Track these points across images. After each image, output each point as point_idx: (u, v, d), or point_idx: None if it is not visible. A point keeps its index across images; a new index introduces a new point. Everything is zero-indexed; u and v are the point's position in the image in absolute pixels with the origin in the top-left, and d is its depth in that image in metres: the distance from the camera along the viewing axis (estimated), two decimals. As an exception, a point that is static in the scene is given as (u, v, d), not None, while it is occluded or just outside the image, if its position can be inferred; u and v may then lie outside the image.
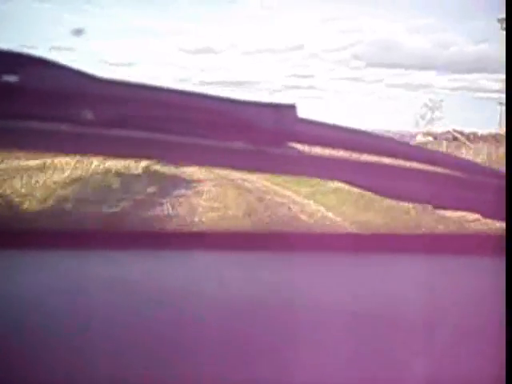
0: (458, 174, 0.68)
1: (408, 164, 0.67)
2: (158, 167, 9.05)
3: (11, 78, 0.55)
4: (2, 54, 0.57)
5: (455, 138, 11.65)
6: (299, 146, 0.64)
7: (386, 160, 0.67)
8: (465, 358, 0.52)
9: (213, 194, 7.59)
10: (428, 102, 15.13)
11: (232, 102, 0.62)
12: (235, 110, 0.61)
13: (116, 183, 7.86)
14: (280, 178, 8.13)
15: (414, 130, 13.77)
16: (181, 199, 7.26)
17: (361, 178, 0.65)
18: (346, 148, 0.66)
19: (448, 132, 12.46)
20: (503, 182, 0.68)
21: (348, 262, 0.71)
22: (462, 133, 12.21)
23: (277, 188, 8.30)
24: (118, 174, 8.48)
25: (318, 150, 0.65)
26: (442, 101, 15.23)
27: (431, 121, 14.48)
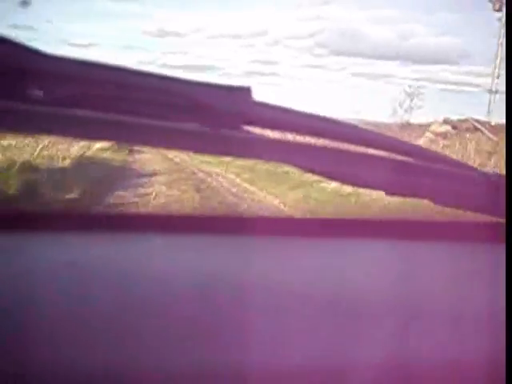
0: (414, 161, 0.69)
1: (366, 150, 0.67)
2: (109, 153, 8.97)
3: None
4: None
5: (476, 128, 10.76)
6: (254, 129, 0.63)
7: (343, 145, 0.67)
8: (459, 342, 0.52)
9: (165, 181, 7.56)
10: (407, 89, 14.47)
11: (187, 83, 0.61)
12: (190, 91, 0.61)
13: (67, 167, 7.74)
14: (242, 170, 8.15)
15: (389, 120, 13.27)
16: (134, 185, 7.21)
17: (314, 162, 0.65)
18: (301, 132, 0.66)
19: (466, 120, 11.35)
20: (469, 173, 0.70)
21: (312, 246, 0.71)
22: (478, 121, 11.23)
23: (233, 178, 8.32)
24: (69, 158, 8.33)
25: (273, 134, 0.65)
26: (419, 88, 14.50)
27: (410, 109, 13.98)
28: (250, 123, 0.63)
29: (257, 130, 0.64)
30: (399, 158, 0.68)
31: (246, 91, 0.62)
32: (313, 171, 0.67)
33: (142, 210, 5.49)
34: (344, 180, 0.69)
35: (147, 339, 0.47)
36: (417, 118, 12.99)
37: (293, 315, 0.53)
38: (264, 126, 0.63)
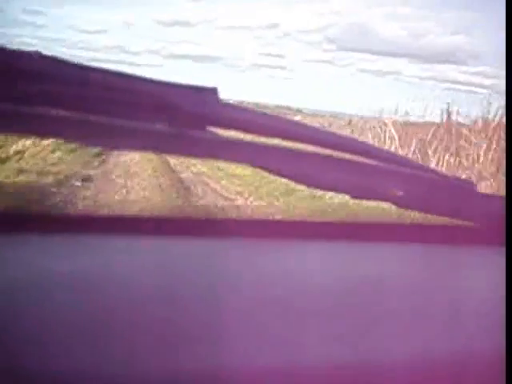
0: (369, 161, 0.70)
1: (331, 152, 0.68)
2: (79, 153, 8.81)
3: None
4: None
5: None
6: (220, 131, 0.63)
7: (307, 148, 0.67)
8: (461, 340, 0.53)
9: (140, 179, 7.47)
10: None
11: (153, 82, 0.60)
12: (156, 91, 0.60)
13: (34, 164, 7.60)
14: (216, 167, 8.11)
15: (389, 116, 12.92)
16: (107, 181, 7.11)
17: (280, 164, 0.65)
18: (267, 134, 0.66)
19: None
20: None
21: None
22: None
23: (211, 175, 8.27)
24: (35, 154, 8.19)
25: (239, 135, 0.65)
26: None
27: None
28: (216, 124, 0.63)
29: (223, 132, 0.64)
30: (362, 159, 0.69)
31: (212, 92, 0.62)
32: (278, 173, 0.68)
33: (117, 212, 5.42)
34: (308, 183, 0.70)
35: (122, 344, 0.47)
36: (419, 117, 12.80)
37: (267, 316, 0.53)
38: (230, 127, 0.63)
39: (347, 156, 0.69)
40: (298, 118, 15.07)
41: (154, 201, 5.81)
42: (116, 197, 5.87)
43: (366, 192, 0.71)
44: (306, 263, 0.68)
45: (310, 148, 0.68)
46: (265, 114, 0.68)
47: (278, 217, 0.86)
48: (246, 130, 0.64)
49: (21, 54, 0.56)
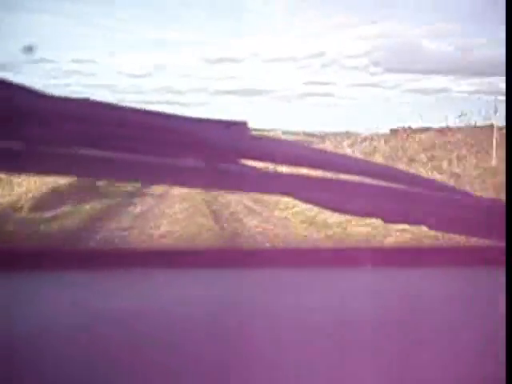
0: (401, 186, 0.70)
1: (362, 179, 0.68)
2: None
3: None
4: None
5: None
6: (252, 163, 0.65)
7: (338, 176, 0.68)
8: (463, 364, 0.53)
9: (176, 210, 7.51)
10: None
11: (185, 119, 0.62)
12: (188, 128, 0.62)
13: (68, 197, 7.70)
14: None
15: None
16: (141, 214, 7.16)
17: (313, 193, 0.66)
18: (297, 164, 0.67)
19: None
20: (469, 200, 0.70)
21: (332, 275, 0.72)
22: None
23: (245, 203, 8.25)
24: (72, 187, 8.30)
25: (270, 167, 0.66)
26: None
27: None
28: (248, 157, 0.64)
29: (255, 164, 0.65)
30: (394, 185, 0.69)
31: (242, 126, 0.63)
32: (312, 202, 0.68)
33: (148, 244, 5.46)
34: (342, 210, 0.70)
35: (154, 377, 0.48)
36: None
37: (302, 347, 0.53)
38: (261, 159, 0.64)
39: (381, 182, 0.69)
40: (348, 141, 15.02)
41: (190, 234, 5.83)
42: (151, 231, 5.91)
43: (400, 217, 0.71)
44: (339, 290, 0.68)
45: (343, 175, 0.68)
46: (295, 144, 0.69)
47: (309, 245, 0.86)
48: (277, 161, 0.65)
49: (70, 100, 0.59)
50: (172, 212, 7.29)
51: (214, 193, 7.98)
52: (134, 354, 0.50)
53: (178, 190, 8.28)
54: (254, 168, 0.64)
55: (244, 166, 0.63)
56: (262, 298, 0.64)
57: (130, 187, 8.82)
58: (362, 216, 0.72)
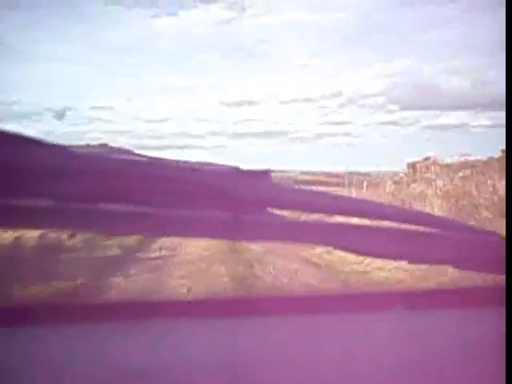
0: (423, 228, 0.70)
1: (384, 223, 0.68)
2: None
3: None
4: None
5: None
6: (276, 212, 0.65)
7: (363, 221, 0.68)
8: None
9: (196, 258, 7.49)
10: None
11: (205, 171, 0.63)
12: (210, 180, 0.62)
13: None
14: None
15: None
16: (158, 264, 7.15)
17: (341, 240, 0.66)
18: (321, 211, 0.67)
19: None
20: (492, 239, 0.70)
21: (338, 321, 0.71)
22: None
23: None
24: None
25: (295, 215, 0.66)
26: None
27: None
28: (272, 206, 0.64)
29: (279, 212, 0.65)
30: (416, 228, 0.69)
31: (265, 175, 0.64)
32: (342, 248, 0.68)
33: (162, 294, 5.44)
34: (371, 254, 0.70)
35: None
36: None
37: None
38: (285, 207, 0.65)
39: (405, 226, 0.69)
40: (365, 183, 14.92)
41: (206, 284, 5.81)
42: (174, 282, 5.89)
43: (424, 257, 0.72)
44: (348, 336, 0.67)
45: (366, 221, 0.69)
46: (317, 192, 0.69)
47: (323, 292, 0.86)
48: (300, 208, 0.65)
49: (93, 156, 0.60)
50: (188, 261, 7.27)
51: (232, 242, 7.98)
52: None
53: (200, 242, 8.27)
54: (278, 217, 0.64)
55: (268, 214, 0.63)
56: (280, 347, 0.63)
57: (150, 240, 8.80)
58: (389, 259, 0.72)
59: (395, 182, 13.18)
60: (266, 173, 0.64)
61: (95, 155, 0.61)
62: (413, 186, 11.81)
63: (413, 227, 0.69)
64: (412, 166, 12.68)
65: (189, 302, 0.80)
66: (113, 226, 0.62)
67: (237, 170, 0.64)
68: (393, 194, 12.06)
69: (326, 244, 0.69)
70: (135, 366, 0.56)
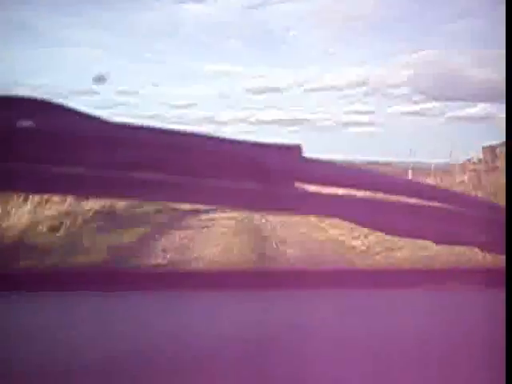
0: (451, 207, 0.70)
1: (405, 199, 0.68)
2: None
3: (25, 123, 0.57)
4: (16, 100, 0.59)
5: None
6: (304, 186, 0.65)
7: (386, 196, 0.68)
8: None
9: (219, 231, 7.56)
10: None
11: (237, 143, 0.63)
12: (241, 151, 0.63)
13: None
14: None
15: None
16: (187, 233, 7.23)
17: (365, 215, 0.66)
18: (350, 186, 0.67)
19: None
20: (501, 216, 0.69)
21: (352, 297, 0.72)
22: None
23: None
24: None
25: (322, 189, 0.66)
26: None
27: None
28: (302, 180, 0.64)
29: (308, 187, 0.66)
30: (445, 206, 0.69)
31: (295, 149, 0.64)
32: (368, 226, 0.68)
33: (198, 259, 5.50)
34: (397, 233, 0.70)
35: None
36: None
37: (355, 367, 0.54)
38: (315, 182, 0.65)
39: (430, 203, 0.69)
40: (387, 168, 14.52)
41: (233, 256, 5.84)
42: (195, 254, 5.95)
43: (451, 238, 0.71)
44: (387, 311, 0.68)
45: (393, 198, 0.68)
46: (348, 168, 0.69)
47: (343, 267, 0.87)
48: (330, 183, 0.66)
49: (126, 127, 0.61)
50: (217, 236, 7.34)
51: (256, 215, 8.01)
52: (172, 376, 0.52)
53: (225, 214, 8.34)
54: (307, 191, 0.65)
55: (299, 188, 0.64)
56: (313, 319, 0.64)
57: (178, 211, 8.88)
58: (416, 238, 0.72)
59: (472, 170, 11.76)
60: (296, 147, 0.64)
61: (129, 126, 0.62)
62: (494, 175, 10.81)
63: (439, 205, 0.69)
64: (490, 150, 11.67)
65: (211, 273, 0.81)
66: (146, 192, 0.64)
67: (270, 144, 0.65)
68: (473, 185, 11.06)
69: (351, 219, 0.69)
70: (159, 338, 0.58)
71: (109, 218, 7.83)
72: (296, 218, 7.55)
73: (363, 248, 6.73)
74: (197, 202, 0.63)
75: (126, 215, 8.18)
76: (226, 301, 0.68)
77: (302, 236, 7.47)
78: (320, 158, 0.67)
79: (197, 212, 8.75)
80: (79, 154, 0.59)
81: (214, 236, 7.27)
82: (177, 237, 7.13)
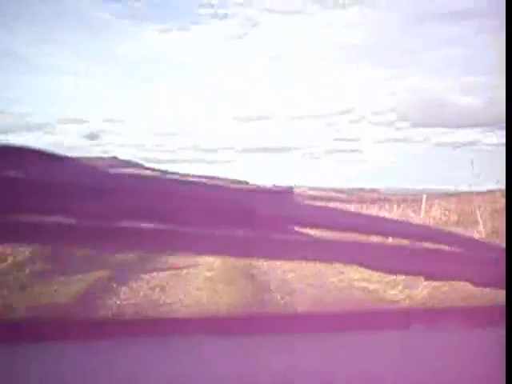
0: (452, 248, 0.70)
1: (403, 240, 0.68)
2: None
3: (14, 173, 0.56)
4: (5, 148, 0.58)
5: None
6: (299, 230, 0.64)
7: (380, 238, 0.68)
8: None
9: (212, 277, 7.43)
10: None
11: (231, 189, 0.63)
12: (235, 198, 0.62)
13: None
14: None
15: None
16: (175, 281, 7.10)
17: (364, 258, 0.66)
18: (344, 230, 0.67)
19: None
20: (499, 255, 0.70)
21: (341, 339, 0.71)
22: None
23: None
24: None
25: (317, 233, 0.65)
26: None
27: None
28: (295, 224, 0.64)
29: (300, 230, 0.65)
30: (437, 246, 0.69)
31: (288, 193, 0.64)
32: (366, 267, 0.68)
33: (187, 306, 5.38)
34: (391, 271, 0.70)
35: None
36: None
37: None
38: (308, 226, 0.64)
39: (426, 244, 0.69)
40: (373, 195, 14.59)
41: (227, 301, 5.76)
42: (187, 300, 5.84)
43: (441, 274, 0.71)
44: (385, 351, 0.66)
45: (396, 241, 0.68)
46: (341, 211, 0.69)
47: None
48: (324, 227, 0.65)
49: (118, 176, 0.60)
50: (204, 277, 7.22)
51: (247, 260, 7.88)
52: None
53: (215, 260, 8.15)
54: (301, 235, 0.64)
55: (293, 233, 0.63)
56: (298, 364, 0.62)
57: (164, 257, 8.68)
58: (408, 275, 0.72)
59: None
60: (290, 191, 0.64)
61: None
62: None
63: (431, 245, 0.69)
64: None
65: (201, 319, 0.79)
66: (134, 242, 0.62)
67: (259, 188, 0.64)
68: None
69: (347, 262, 0.68)
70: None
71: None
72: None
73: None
74: (190, 250, 0.62)
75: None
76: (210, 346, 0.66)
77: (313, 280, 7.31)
78: (313, 204, 0.67)
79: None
80: (70, 202, 0.58)
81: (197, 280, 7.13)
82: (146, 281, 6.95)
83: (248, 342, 0.67)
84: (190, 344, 0.66)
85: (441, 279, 0.74)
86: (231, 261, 7.98)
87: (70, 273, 6.86)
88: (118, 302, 5.65)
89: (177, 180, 0.62)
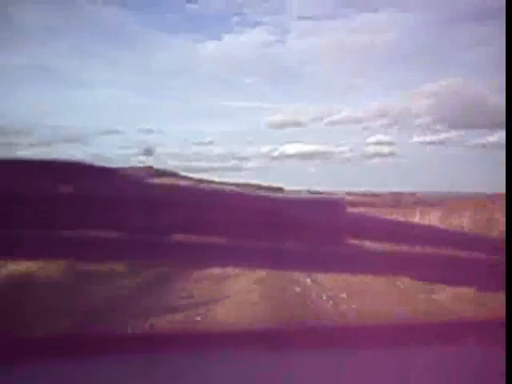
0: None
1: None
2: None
3: (66, 189, 0.56)
4: (56, 164, 0.58)
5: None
6: (351, 242, 0.62)
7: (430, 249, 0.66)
8: None
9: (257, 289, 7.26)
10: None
11: (282, 200, 0.61)
12: (285, 209, 0.61)
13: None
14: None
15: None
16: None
17: (420, 270, 0.63)
18: (396, 241, 0.65)
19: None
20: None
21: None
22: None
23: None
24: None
25: (369, 245, 0.63)
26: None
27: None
28: (348, 236, 0.62)
29: (353, 242, 0.63)
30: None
31: (339, 203, 0.62)
32: (421, 279, 0.66)
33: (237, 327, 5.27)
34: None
35: None
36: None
37: None
38: (361, 237, 0.62)
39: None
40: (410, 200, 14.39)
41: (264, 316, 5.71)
42: (229, 314, 5.79)
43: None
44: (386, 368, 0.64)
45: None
46: (392, 221, 0.67)
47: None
48: (376, 238, 0.63)
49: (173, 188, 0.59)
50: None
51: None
52: None
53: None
54: (353, 247, 0.62)
55: (347, 245, 0.61)
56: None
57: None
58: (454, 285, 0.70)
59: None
60: (341, 201, 0.62)
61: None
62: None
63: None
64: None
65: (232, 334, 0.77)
66: (191, 257, 0.61)
67: (311, 199, 0.63)
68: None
69: (402, 274, 0.66)
70: None
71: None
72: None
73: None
74: (239, 264, 0.61)
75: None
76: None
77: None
78: (363, 213, 0.64)
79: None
80: (119, 217, 0.57)
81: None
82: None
83: (291, 357, 0.66)
84: (234, 359, 0.64)
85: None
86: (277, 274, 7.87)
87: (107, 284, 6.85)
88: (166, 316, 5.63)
89: (224, 192, 0.61)
